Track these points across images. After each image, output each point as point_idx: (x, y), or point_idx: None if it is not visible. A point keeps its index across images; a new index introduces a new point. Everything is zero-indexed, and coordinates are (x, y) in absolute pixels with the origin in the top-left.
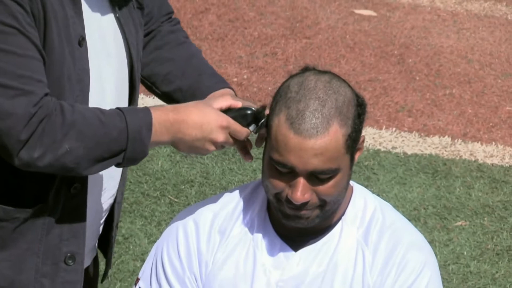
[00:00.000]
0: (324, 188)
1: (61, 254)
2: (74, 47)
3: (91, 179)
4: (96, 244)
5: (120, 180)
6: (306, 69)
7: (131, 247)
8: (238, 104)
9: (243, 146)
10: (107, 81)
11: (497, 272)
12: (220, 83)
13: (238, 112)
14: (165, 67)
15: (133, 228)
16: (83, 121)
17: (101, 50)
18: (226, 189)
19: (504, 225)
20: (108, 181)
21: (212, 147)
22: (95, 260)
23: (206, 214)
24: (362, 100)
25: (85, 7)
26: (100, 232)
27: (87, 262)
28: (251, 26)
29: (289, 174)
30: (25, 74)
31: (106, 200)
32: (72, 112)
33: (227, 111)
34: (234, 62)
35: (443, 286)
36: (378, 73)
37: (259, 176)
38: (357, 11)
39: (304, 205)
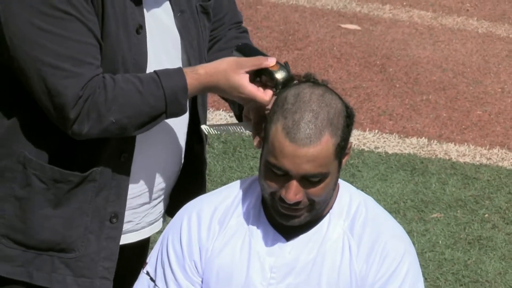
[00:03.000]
0: (315, 190)
1: (106, 213)
2: (131, 34)
3: (144, 162)
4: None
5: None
6: (306, 77)
7: None
8: (271, 63)
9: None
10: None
11: (469, 259)
12: None
13: (270, 73)
14: None
15: None
16: (123, 95)
17: (160, 42)
18: (226, 184)
19: (475, 217)
20: (166, 166)
21: (243, 103)
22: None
23: (207, 206)
24: (351, 111)
25: (146, 1)
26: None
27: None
28: None
29: (284, 176)
30: (76, 57)
31: (160, 182)
32: (113, 87)
33: (262, 70)
34: None
35: (421, 272)
36: (362, 81)
37: (255, 173)
38: (343, 26)
39: (296, 204)
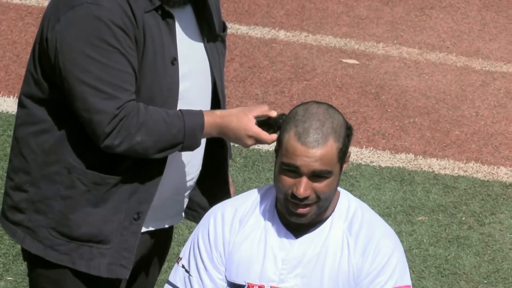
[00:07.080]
0: (321, 186)
1: (134, 212)
2: (167, 65)
3: (173, 163)
4: (181, 214)
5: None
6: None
7: (175, 235)
8: (272, 114)
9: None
10: (192, 94)
11: (449, 254)
12: None
13: (270, 119)
14: None
15: None
16: (152, 120)
17: (189, 70)
18: None
19: (454, 219)
20: (189, 168)
21: (247, 145)
22: (171, 230)
23: (230, 208)
24: (350, 125)
25: (179, 35)
26: (185, 205)
27: (164, 224)
28: (265, 71)
29: (295, 174)
30: (116, 83)
31: (187, 181)
32: (145, 114)
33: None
34: (252, 99)
35: (408, 266)
36: (359, 107)
37: (271, 183)
38: (344, 60)
39: (305, 199)
